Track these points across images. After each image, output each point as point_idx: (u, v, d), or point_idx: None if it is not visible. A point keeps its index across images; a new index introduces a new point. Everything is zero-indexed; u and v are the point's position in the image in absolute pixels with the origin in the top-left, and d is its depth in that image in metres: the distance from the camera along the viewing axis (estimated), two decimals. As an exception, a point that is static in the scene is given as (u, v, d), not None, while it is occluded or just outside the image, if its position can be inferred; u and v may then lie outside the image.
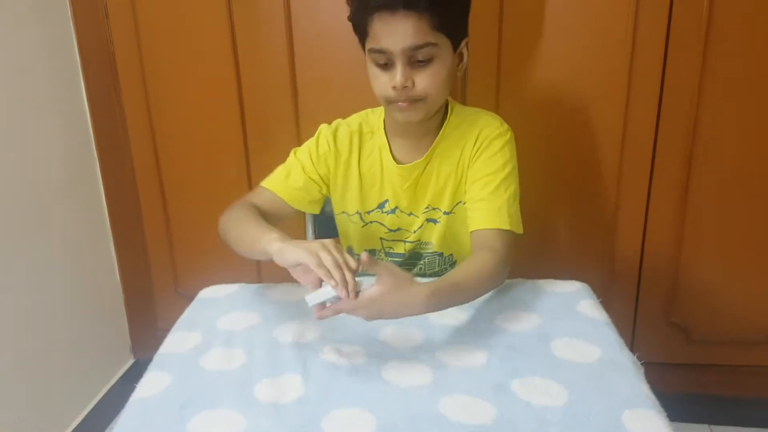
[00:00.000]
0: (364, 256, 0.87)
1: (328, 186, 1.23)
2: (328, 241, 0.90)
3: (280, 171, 1.22)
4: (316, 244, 0.90)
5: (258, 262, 1.91)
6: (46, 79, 1.66)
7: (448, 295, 0.96)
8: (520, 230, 1.16)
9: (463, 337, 0.98)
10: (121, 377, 1.97)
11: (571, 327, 0.99)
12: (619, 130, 1.62)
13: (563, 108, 1.62)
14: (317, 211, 1.26)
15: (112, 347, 1.98)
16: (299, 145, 1.25)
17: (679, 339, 1.80)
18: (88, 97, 1.80)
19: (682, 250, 1.72)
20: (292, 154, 1.23)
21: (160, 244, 1.94)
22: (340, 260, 0.87)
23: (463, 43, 1.10)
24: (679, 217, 1.68)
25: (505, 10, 1.56)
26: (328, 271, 0.86)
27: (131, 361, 2.04)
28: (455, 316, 1.03)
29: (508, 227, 1.11)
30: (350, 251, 1.31)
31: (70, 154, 1.76)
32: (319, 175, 1.21)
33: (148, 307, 2.02)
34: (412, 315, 0.91)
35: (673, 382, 1.65)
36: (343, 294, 0.86)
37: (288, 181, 1.20)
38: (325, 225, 1.50)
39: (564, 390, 0.84)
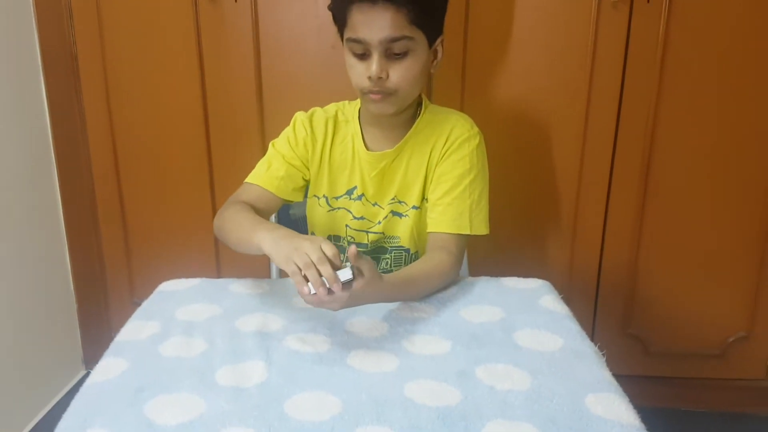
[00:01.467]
0: (352, 249, 0.86)
1: (309, 170, 1.25)
2: (307, 244, 0.88)
3: (261, 164, 1.24)
4: (290, 250, 0.88)
5: (218, 273, 1.88)
6: (4, 79, 1.62)
7: (404, 288, 1.03)
8: (486, 231, 1.20)
9: (427, 327, 0.97)
10: (72, 389, 1.89)
11: (534, 319, 1.00)
12: (578, 144, 1.67)
13: (524, 120, 1.66)
14: (301, 199, 1.27)
15: (63, 357, 1.91)
16: (263, 155, 1.26)
17: (637, 351, 1.83)
18: (48, 98, 1.77)
19: (639, 263, 1.76)
20: (270, 146, 1.25)
21: (116, 251, 1.90)
22: (316, 258, 0.85)
23: (438, 41, 1.14)
24: (635, 230, 1.73)
25: (469, 27, 1.60)
26: (302, 277, 0.85)
27: (83, 372, 1.98)
28: (421, 309, 1.03)
29: (467, 232, 1.16)
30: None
31: (26, 158, 1.72)
32: (300, 160, 1.23)
33: (102, 317, 1.96)
34: (369, 303, 0.98)
35: (631, 395, 1.66)
36: (320, 292, 0.84)
37: (270, 171, 1.21)
38: (290, 227, 1.49)
39: (527, 376, 0.84)
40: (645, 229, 1.73)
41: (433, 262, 1.11)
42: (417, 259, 1.27)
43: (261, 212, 1.16)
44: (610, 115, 1.64)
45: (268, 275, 1.50)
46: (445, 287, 1.12)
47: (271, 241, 0.95)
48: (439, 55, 1.16)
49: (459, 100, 1.65)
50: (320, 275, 0.84)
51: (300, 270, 0.85)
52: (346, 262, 0.88)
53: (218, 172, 1.78)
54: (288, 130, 1.25)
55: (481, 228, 1.19)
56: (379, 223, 1.25)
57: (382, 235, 1.26)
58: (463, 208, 1.17)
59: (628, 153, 1.66)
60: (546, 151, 1.68)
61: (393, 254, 1.28)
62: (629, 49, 1.58)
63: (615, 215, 1.72)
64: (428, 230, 1.20)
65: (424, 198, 1.22)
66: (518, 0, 1.58)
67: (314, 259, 0.85)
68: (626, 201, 1.70)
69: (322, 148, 1.23)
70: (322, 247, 0.86)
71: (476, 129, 1.21)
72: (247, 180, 1.23)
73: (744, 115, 1.61)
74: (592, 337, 1.80)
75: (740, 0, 1.52)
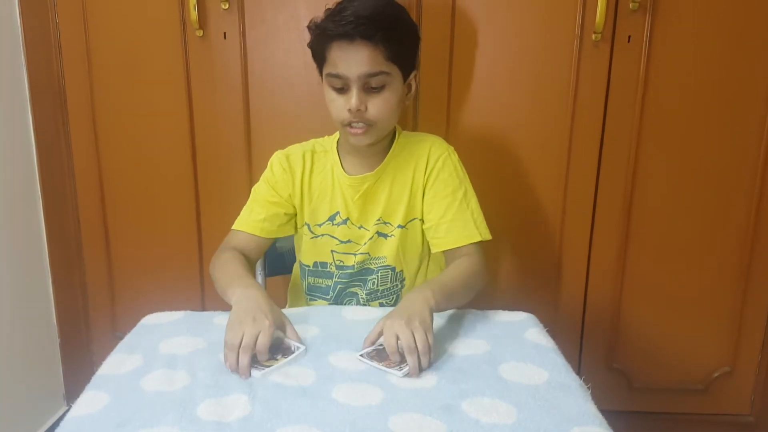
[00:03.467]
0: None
1: (293, 204, 1.29)
2: (248, 329, 0.95)
3: (244, 210, 1.29)
4: (235, 322, 0.97)
5: (203, 306, 1.86)
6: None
7: (442, 292, 1.06)
8: (489, 237, 1.25)
9: (413, 360, 0.97)
10: (53, 425, 1.84)
11: (519, 352, 1.00)
12: (561, 180, 1.68)
13: (508, 156, 1.68)
14: (291, 232, 1.32)
15: (44, 393, 1.86)
16: (249, 189, 1.31)
17: (621, 385, 1.83)
18: (35, 132, 1.75)
19: (623, 298, 1.77)
20: (252, 191, 1.30)
21: (100, 284, 1.87)
22: (244, 344, 0.94)
23: (411, 75, 1.20)
24: (620, 265, 1.74)
25: (454, 64, 1.62)
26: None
27: (64, 408, 1.92)
28: (405, 342, 1.03)
29: (478, 239, 1.21)
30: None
31: (11, 190, 1.70)
32: (280, 197, 1.27)
33: (84, 351, 1.92)
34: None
35: (616, 430, 1.65)
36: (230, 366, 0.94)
37: (252, 216, 1.27)
38: (275, 262, 1.49)
39: (513, 409, 0.84)
40: (629, 264, 1.74)
41: (463, 265, 1.17)
42: (402, 278, 1.31)
43: (251, 254, 1.25)
44: (592, 153, 1.66)
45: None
46: (480, 287, 1.17)
47: (237, 301, 1.03)
48: (413, 88, 1.23)
49: (444, 135, 1.66)
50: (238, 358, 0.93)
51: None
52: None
53: (204, 205, 1.78)
54: (267, 172, 1.30)
55: (486, 233, 1.24)
56: (365, 244, 1.28)
57: (367, 255, 1.29)
58: (466, 219, 1.23)
59: (610, 189, 1.68)
60: (529, 186, 1.70)
61: (379, 274, 1.30)
62: (610, 87, 1.61)
63: (599, 250, 1.73)
64: (438, 250, 1.24)
65: (412, 218, 1.26)
66: (501, 37, 1.61)
67: (243, 343, 0.93)
68: (610, 236, 1.72)
69: (301, 179, 1.27)
70: (258, 337, 0.94)
71: (451, 146, 1.28)
72: (233, 227, 1.28)
73: (725, 152, 1.64)
74: (578, 370, 1.80)
75: (718, 38, 1.56)
